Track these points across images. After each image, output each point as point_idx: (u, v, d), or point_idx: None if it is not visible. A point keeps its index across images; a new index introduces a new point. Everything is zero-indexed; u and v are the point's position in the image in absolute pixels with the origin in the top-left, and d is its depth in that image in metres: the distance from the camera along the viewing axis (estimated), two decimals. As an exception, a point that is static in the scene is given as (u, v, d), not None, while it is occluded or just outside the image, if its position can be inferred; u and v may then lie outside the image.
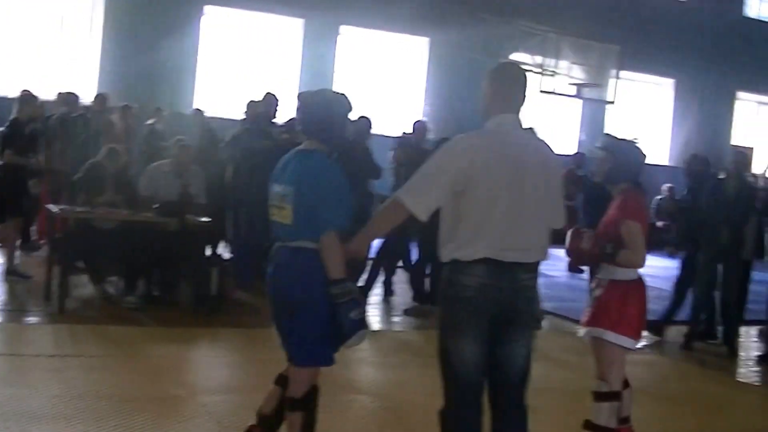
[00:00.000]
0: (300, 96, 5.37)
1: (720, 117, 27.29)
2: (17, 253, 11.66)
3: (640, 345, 6.19)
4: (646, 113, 26.45)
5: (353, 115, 5.51)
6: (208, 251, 11.58)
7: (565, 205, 5.09)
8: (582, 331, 6.17)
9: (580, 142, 24.25)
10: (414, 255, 12.05)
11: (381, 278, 12.04)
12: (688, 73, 25.90)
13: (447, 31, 21.44)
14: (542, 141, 4.98)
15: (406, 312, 11.45)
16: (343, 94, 5.28)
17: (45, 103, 12.82)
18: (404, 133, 12.98)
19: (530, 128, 5.36)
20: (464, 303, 4.72)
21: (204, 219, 10.62)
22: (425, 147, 11.94)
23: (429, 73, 22.93)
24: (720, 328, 11.25)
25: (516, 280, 4.75)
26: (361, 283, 11.14)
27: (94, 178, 10.48)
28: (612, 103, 22.64)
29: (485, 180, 4.65)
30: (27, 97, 11.76)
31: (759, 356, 10.74)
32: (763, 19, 28.19)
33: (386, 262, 12.10)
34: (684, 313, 11.39)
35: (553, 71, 20.89)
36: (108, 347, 8.53)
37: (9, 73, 18.53)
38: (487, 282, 4.68)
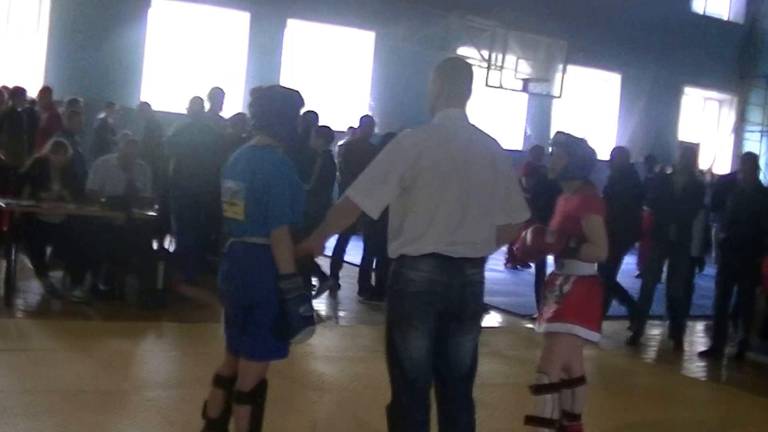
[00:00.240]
0: (253, 91, 5.38)
1: (667, 112, 27.54)
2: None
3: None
4: (593, 108, 26.64)
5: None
6: (155, 245, 11.56)
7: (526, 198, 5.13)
8: (542, 326, 6.17)
9: (526, 137, 24.40)
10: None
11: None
12: (635, 67, 26.08)
13: (393, 26, 21.45)
14: (489, 135, 4.97)
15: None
16: (296, 90, 5.28)
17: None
18: (350, 127, 12.96)
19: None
20: (412, 298, 4.73)
21: (150, 213, 10.62)
22: (372, 143, 11.96)
23: (375, 68, 22.94)
24: (666, 323, 11.45)
25: (463, 275, 4.77)
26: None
27: (40, 171, 10.41)
28: (558, 97, 22.74)
29: (433, 175, 4.67)
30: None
31: (704, 351, 10.85)
32: (710, 15, 28.51)
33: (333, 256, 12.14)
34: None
35: (500, 66, 20.94)
36: (55, 341, 8.48)
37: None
38: (434, 277, 4.70)
